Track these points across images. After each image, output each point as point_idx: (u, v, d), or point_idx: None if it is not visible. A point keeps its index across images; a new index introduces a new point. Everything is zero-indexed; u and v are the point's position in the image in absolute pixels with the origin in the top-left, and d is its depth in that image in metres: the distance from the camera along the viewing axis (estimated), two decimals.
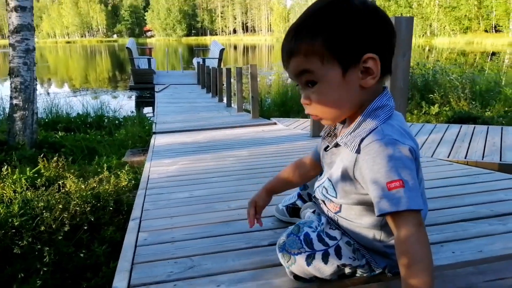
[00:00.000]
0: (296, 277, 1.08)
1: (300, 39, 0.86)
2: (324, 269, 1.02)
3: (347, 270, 1.05)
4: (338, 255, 1.02)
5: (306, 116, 6.01)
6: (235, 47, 54.44)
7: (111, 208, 2.50)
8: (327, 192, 1.04)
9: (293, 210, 1.50)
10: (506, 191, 1.82)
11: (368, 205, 0.95)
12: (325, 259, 1.02)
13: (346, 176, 0.94)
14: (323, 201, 1.09)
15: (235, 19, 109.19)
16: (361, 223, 1.00)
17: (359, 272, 1.07)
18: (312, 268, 1.02)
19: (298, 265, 1.03)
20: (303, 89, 0.92)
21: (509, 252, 1.21)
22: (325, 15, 0.85)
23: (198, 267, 1.21)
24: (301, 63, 0.87)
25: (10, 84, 4.68)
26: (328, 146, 1.03)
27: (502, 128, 4.24)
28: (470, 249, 1.23)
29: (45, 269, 1.90)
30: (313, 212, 1.20)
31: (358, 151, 0.89)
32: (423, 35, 45.47)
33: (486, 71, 11.08)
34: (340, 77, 0.86)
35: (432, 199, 1.74)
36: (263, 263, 1.22)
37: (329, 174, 1.02)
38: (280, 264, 1.12)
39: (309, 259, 1.02)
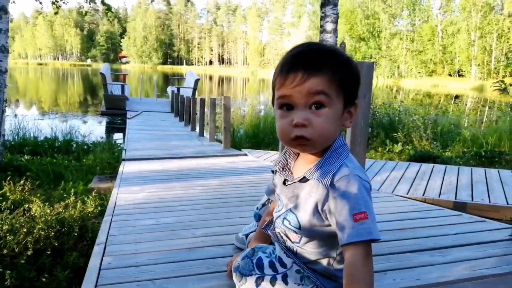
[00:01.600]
0: None
1: (327, 65, 0.95)
2: None
3: None
4: (285, 281, 1.12)
5: (276, 149, 6.17)
6: (211, 78, 55.06)
7: (75, 234, 2.50)
8: (290, 224, 1.09)
9: None
10: (452, 226, 1.99)
11: (328, 236, 1.05)
12: (272, 283, 1.11)
13: (314, 210, 1.02)
14: (284, 231, 1.15)
15: (212, 50, 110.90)
16: (319, 251, 1.09)
17: None
18: None
19: (248, 284, 1.12)
20: (302, 111, 0.95)
21: (444, 280, 1.34)
22: (342, 57, 0.99)
23: None
24: (322, 85, 0.94)
25: None
26: (287, 180, 1.12)
27: (459, 168, 4.50)
28: (410, 277, 1.37)
29: None
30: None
31: (331, 186, 0.97)
32: (391, 76, 47.57)
33: (450, 113, 11.73)
34: (340, 112, 0.98)
35: (385, 231, 1.88)
36: (221, 287, 1.30)
37: (291, 206, 1.09)
38: None
39: (259, 280, 1.11)
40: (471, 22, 40.28)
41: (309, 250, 1.10)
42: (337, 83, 0.96)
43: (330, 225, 1.02)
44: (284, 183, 1.13)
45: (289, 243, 1.15)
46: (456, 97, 24.49)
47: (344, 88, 0.97)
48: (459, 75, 43.23)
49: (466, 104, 19.14)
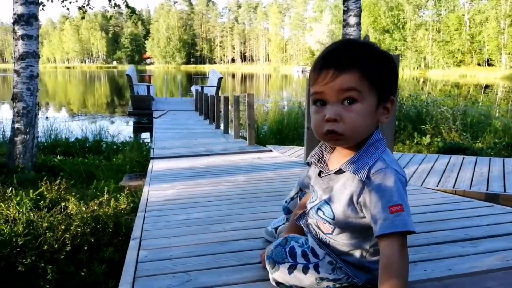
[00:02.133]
0: (278, 283, 1.21)
1: (358, 61, 0.97)
2: (303, 279, 1.15)
3: (325, 283, 1.17)
4: (317, 270, 1.15)
5: (301, 144, 6.17)
6: (233, 76, 55.34)
7: (110, 230, 2.60)
8: (324, 214, 1.13)
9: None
10: (483, 217, 1.96)
11: (361, 228, 1.08)
12: (305, 271, 1.15)
13: (349, 201, 1.06)
14: (316, 222, 1.19)
15: (234, 48, 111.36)
16: (351, 243, 1.13)
17: (337, 284, 1.19)
18: (292, 277, 1.15)
19: (281, 272, 1.17)
20: (334, 106, 0.99)
21: (475, 270, 1.34)
22: (374, 53, 1.01)
23: (195, 281, 1.33)
24: (354, 81, 0.97)
25: (13, 108, 4.82)
26: (322, 172, 1.15)
27: (490, 159, 4.38)
28: (440, 268, 1.37)
29: (47, 286, 1.99)
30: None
31: (368, 178, 1.01)
32: (417, 67, 46.52)
33: (480, 103, 11.39)
34: (374, 107, 1.00)
35: (415, 224, 1.85)
36: (253, 278, 1.34)
37: (326, 197, 1.13)
38: (267, 279, 1.25)
39: (291, 269, 1.15)
40: (500, 9, 38.85)
41: (342, 241, 1.13)
42: (369, 80, 0.98)
43: (364, 217, 1.05)
44: (319, 174, 1.17)
45: (321, 235, 1.18)
46: (486, 87, 23.73)
47: (376, 83, 0.99)
48: (489, 65, 41.86)
49: (496, 94, 18.52)
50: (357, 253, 1.14)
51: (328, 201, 1.11)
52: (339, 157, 1.11)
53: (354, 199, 1.04)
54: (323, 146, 1.18)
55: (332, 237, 1.15)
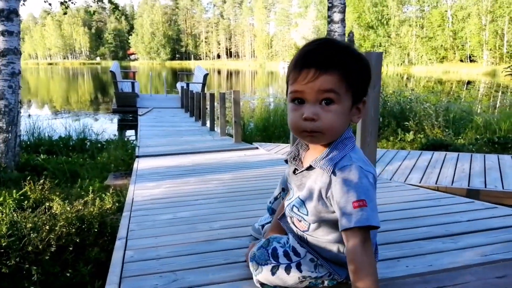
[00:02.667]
0: (262, 284, 1.23)
1: (338, 63, 1.01)
2: (286, 279, 1.18)
3: (308, 281, 1.20)
4: (299, 269, 1.18)
5: (287, 141, 6.20)
6: (219, 72, 55.10)
7: (95, 230, 2.59)
8: (298, 211, 1.16)
9: None
10: (463, 213, 2.01)
11: (335, 223, 1.10)
12: (287, 271, 1.18)
13: (319, 196, 1.09)
14: (291, 220, 1.23)
15: (219, 44, 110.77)
16: (328, 239, 1.15)
17: (319, 281, 1.22)
18: (275, 277, 1.18)
19: (264, 274, 1.19)
20: (312, 106, 1.02)
21: (455, 266, 1.39)
22: (353, 56, 1.05)
23: (182, 280, 1.34)
24: (332, 83, 1.00)
25: None
26: (296, 169, 1.19)
27: (471, 155, 4.47)
28: (422, 264, 1.41)
29: (32, 287, 1.97)
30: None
31: (333, 174, 1.05)
32: (401, 63, 47.05)
33: (462, 100, 11.60)
34: (349, 107, 1.05)
35: (397, 220, 1.92)
36: (240, 277, 1.36)
37: (299, 194, 1.16)
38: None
39: (274, 269, 1.18)
40: (482, 6, 39.51)
41: (319, 238, 1.16)
42: (347, 82, 1.02)
43: (334, 212, 1.08)
44: (294, 172, 1.20)
45: (300, 233, 1.21)
46: (468, 83, 24.15)
47: (353, 86, 1.04)
48: (471, 61, 42.59)
49: (478, 90, 18.88)
50: (334, 249, 1.16)
51: (301, 198, 1.15)
52: (313, 155, 1.14)
53: (323, 194, 1.08)
54: (299, 144, 1.22)
55: (309, 234, 1.17)
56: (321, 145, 1.11)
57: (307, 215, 1.14)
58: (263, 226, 1.67)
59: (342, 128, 1.07)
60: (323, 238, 1.15)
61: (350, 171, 1.02)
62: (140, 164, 4.15)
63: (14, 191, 2.96)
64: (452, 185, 3.39)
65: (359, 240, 0.98)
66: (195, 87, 14.87)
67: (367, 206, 0.98)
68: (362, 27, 47.16)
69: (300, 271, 1.18)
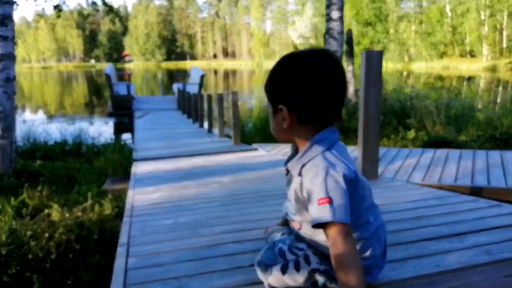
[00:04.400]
0: None
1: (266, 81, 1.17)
2: (297, 277, 1.18)
3: (318, 276, 1.19)
4: (307, 262, 1.19)
5: None
6: (216, 72, 55.02)
7: (95, 237, 2.56)
8: (289, 211, 1.24)
9: None
10: (468, 212, 2.00)
11: None
12: (297, 267, 1.18)
13: (296, 196, 1.15)
14: (288, 220, 1.29)
15: (215, 44, 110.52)
16: (318, 237, 1.17)
17: (328, 282, 1.20)
18: (287, 276, 1.18)
19: (275, 275, 1.19)
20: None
21: (462, 266, 1.37)
22: (274, 70, 1.16)
23: (186, 287, 1.32)
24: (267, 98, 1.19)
25: None
26: (288, 171, 1.23)
27: (474, 152, 4.45)
28: (429, 264, 1.39)
29: None
30: (282, 234, 1.35)
31: (300, 175, 1.11)
32: (401, 60, 47.07)
33: (463, 96, 11.59)
34: (272, 114, 1.18)
35: (402, 220, 1.90)
36: (245, 282, 1.34)
37: (288, 195, 1.22)
38: (260, 282, 1.26)
39: (284, 268, 1.18)
40: (481, 0, 39.58)
41: (314, 236, 1.19)
42: (268, 94, 1.19)
43: None
44: (286, 174, 1.27)
45: (297, 231, 1.26)
46: (469, 78, 24.19)
47: (270, 98, 1.18)
48: (471, 56, 42.69)
49: (479, 86, 18.91)
50: (327, 245, 1.15)
51: (289, 198, 1.22)
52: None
53: (298, 194, 1.14)
54: (294, 146, 1.28)
55: (303, 232, 1.22)
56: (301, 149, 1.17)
57: (294, 214, 1.21)
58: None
59: (288, 134, 1.16)
60: (315, 236, 1.18)
61: (317, 171, 1.06)
62: (138, 168, 4.11)
63: (12, 198, 2.93)
64: (455, 182, 3.37)
65: (334, 236, 1.01)
66: (192, 88, 14.82)
67: (331, 203, 1.01)
68: (360, 24, 47.07)
69: (309, 264, 1.18)
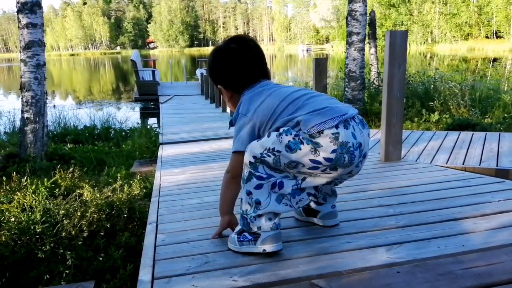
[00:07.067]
0: (250, 163, 1.38)
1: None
2: (265, 140, 1.32)
3: (286, 138, 1.28)
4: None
5: None
6: None
7: (125, 216, 2.66)
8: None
9: (308, 211, 1.66)
10: (494, 193, 1.97)
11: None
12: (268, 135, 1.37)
13: None
14: None
15: (237, 29, 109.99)
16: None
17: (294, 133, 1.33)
18: (258, 143, 1.35)
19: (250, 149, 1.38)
20: None
21: (488, 246, 1.36)
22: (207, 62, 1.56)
23: (213, 262, 1.37)
24: None
25: (22, 98, 4.84)
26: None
27: (499, 134, 4.35)
28: (453, 244, 1.39)
29: (67, 271, 2.05)
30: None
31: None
32: (424, 42, 45.75)
33: (488, 78, 11.21)
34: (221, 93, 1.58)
35: (426, 201, 1.89)
36: (270, 258, 1.37)
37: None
38: (286, 259, 1.31)
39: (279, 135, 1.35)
40: None
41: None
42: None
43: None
44: None
45: None
46: (494, 60, 23.31)
47: (212, 79, 1.56)
48: (497, 37, 41.05)
49: (505, 67, 18.21)
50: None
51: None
52: None
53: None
54: None
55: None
56: None
57: None
58: (303, 208, 1.65)
59: (232, 105, 1.57)
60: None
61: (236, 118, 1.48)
62: (164, 151, 4.20)
63: (45, 179, 3.05)
64: (480, 165, 3.32)
65: (233, 158, 1.59)
66: None
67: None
68: (383, 6, 45.83)
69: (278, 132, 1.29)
